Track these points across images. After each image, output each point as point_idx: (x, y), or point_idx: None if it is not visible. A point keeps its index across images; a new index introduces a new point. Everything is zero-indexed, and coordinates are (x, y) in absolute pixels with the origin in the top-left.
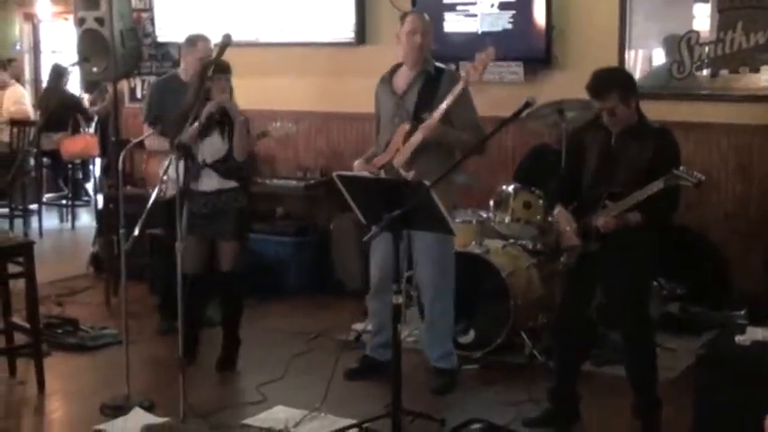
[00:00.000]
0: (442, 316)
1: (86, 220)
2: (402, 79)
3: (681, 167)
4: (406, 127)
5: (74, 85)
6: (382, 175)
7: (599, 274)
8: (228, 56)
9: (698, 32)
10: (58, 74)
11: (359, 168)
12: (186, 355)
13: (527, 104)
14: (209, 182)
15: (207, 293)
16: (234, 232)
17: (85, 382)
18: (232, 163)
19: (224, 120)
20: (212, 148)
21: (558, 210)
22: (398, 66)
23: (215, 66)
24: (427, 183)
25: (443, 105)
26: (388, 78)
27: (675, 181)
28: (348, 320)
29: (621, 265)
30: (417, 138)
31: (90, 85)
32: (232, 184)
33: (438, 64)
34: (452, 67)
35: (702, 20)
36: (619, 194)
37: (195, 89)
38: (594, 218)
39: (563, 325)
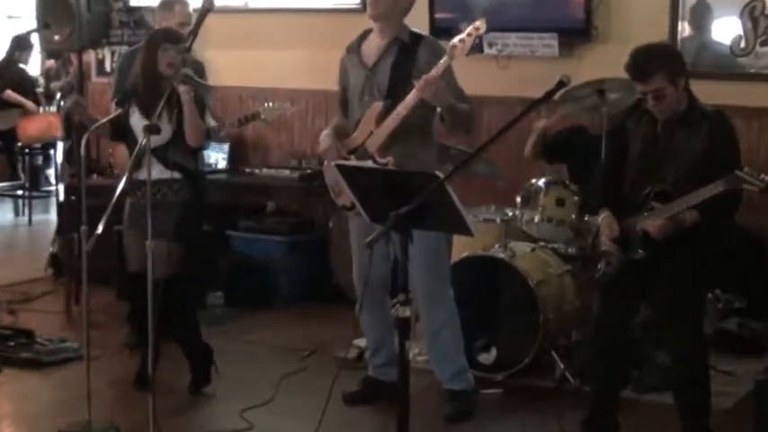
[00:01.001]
0: (445, 323)
1: (46, 214)
2: (372, 49)
3: (745, 168)
4: (379, 106)
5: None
6: (353, 160)
7: (644, 285)
8: (212, 24)
9: (764, 1)
10: (20, 46)
11: (326, 142)
12: (141, 374)
13: (561, 83)
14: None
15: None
16: (173, 232)
17: (41, 404)
18: (175, 149)
19: (170, 97)
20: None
21: (604, 215)
22: (369, 32)
23: (160, 33)
24: (441, 175)
25: (436, 69)
26: (355, 47)
27: (738, 184)
28: (349, 334)
29: (672, 275)
30: (403, 108)
31: (51, 54)
32: (175, 174)
33: (415, 30)
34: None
35: None
36: (667, 194)
37: (142, 61)
38: (639, 220)
39: (601, 343)
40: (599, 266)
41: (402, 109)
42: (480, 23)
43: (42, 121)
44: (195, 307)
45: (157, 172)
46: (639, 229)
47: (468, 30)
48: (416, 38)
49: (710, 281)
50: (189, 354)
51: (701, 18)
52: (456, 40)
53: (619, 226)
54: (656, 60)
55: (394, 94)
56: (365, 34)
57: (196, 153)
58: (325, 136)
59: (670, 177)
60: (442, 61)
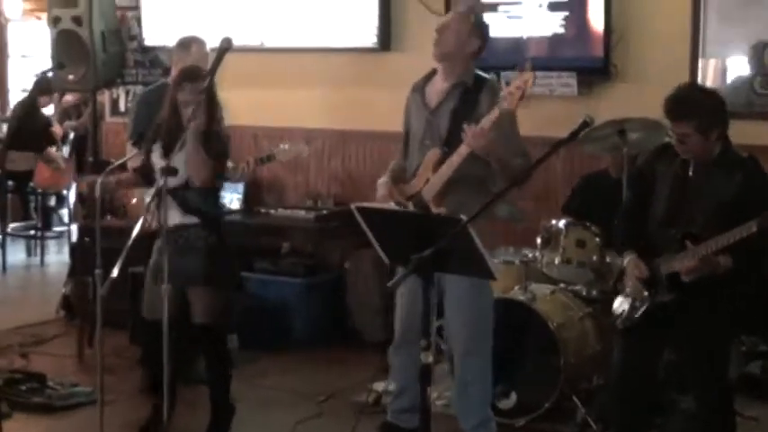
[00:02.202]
0: (477, 377)
1: (59, 254)
2: (435, 91)
3: None
4: (437, 153)
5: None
6: (410, 207)
7: (668, 328)
8: (227, 63)
9: None
10: (42, 89)
11: (384, 189)
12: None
13: (585, 124)
14: (171, 214)
15: (184, 345)
16: (205, 277)
17: None
18: (195, 192)
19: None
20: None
21: (630, 257)
22: (435, 72)
23: (182, 72)
24: (464, 217)
25: (481, 126)
26: (421, 87)
27: None
28: (366, 378)
29: (700, 320)
30: (456, 158)
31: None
32: (194, 219)
33: (480, 73)
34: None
35: None
36: (696, 236)
37: (167, 101)
38: (667, 262)
39: (623, 389)
40: (621, 311)
41: (455, 159)
42: (529, 76)
43: (55, 176)
44: (230, 358)
45: (178, 216)
46: (666, 271)
47: (518, 82)
48: (480, 81)
49: (738, 326)
50: (215, 402)
51: (724, 55)
52: (505, 91)
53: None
54: (693, 107)
55: (453, 140)
56: (431, 74)
57: (217, 195)
58: (382, 184)
59: (699, 220)
60: (490, 114)
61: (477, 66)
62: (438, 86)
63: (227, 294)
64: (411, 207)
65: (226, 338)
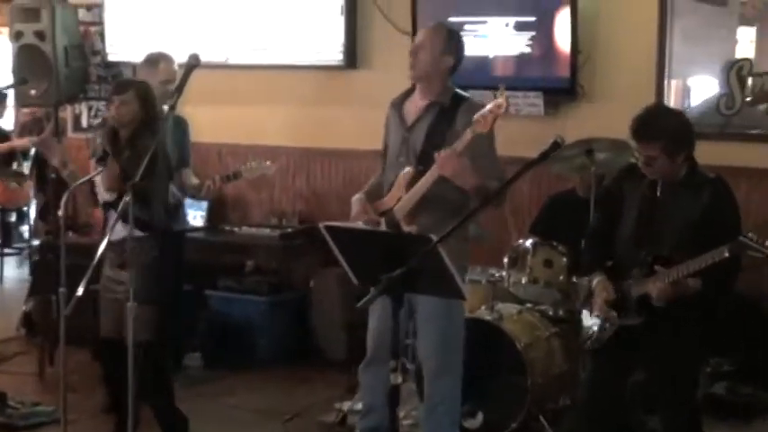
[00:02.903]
0: (446, 398)
1: (18, 271)
2: (412, 109)
3: (749, 234)
4: (411, 172)
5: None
6: (383, 224)
7: (638, 350)
8: (192, 79)
9: (751, 60)
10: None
11: (358, 206)
12: None
13: (556, 144)
14: (117, 228)
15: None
16: (143, 294)
17: None
18: (135, 205)
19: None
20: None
21: (598, 279)
22: (414, 88)
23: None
24: (434, 237)
25: (454, 147)
26: (399, 103)
27: (742, 250)
28: (331, 397)
29: (669, 342)
30: (426, 180)
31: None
32: (136, 232)
33: (459, 92)
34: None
35: (761, 46)
36: (664, 258)
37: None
38: (636, 285)
39: (592, 411)
40: (590, 333)
41: (427, 179)
42: (502, 101)
43: (8, 194)
44: (169, 374)
45: (120, 230)
46: (637, 294)
47: (491, 107)
48: (457, 100)
49: (707, 348)
50: (161, 422)
51: (688, 76)
52: (479, 115)
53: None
54: (659, 130)
55: (427, 159)
56: (410, 90)
57: (169, 209)
58: (357, 200)
59: (668, 242)
60: (463, 136)
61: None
62: (416, 104)
63: (165, 311)
64: (383, 224)
65: (161, 356)
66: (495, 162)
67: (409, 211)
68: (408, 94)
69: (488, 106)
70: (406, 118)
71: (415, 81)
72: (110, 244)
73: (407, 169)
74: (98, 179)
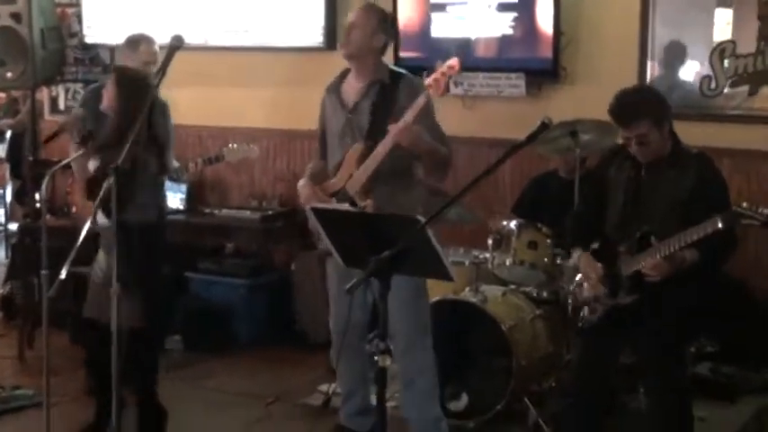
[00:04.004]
0: (422, 372)
1: None
2: (351, 90)
3: (743, 204)
4: (360, 148)
5: None
6: (334, 203)
7: (628, 329)
8: (172, 62)
9: (734, 42)
10: None
11: (307, 190)
12: (96, 425)
13: (544, 126)
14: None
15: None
16: (132, 279)
17: None
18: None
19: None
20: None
21: (578, 254)
22: (348, 71)
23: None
24: (422, 219)
25: (405, 118)
26: (336, 87)
27: (736, 221)
28: (313, 379)
29: (661, 321)
30: (384, 148)
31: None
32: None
33: (394, 68)
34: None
35: (738, 28)
36: (653, 235)
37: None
38: (628, 263)
39: (581, 392)
40: (581, 315)
41: (380, 151)
42: (455, 62)
43: None
44: (153, 363)
45: (102, 217)
46: (628, 272)
47: (443, 68)
48: (396, 76)
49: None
50: (141, 410)
51: (671, 58)
52: (430, 79)
53: (604, 270)
54: (641, 106)
55: (374, 135)
56: (344, 74)
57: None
58: (303, 185)
59: (656, 220)
60: (416, 103)
61: (422, 65)
62: (353, 85)
63: (139, 297)
64: (334, 203)
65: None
66: (439, 130)
67: (363, 186)
68: (342, 77)
69: (440, 69)
70: (345, 100)
71: (347, 59)
72: (102, 229)
73: (356, 145)
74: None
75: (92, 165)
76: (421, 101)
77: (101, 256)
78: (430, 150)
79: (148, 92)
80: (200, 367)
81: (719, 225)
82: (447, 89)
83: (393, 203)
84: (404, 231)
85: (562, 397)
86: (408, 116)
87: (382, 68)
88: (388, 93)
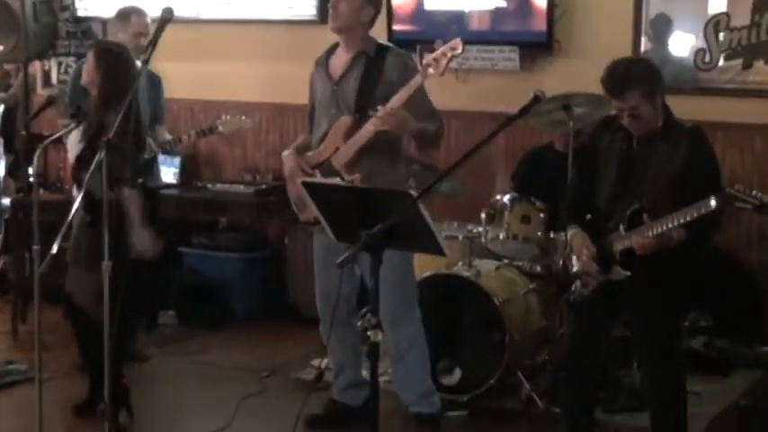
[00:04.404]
0: (411, 346)
1: None
2: (338, 63)
3: (735, 185)
4: (347, 121)
5: None
6: (318, 175)
7: (621, 303)
8: (163, 35)
9: (728, 15)
10: None
11: (291, 161)
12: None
13: (536, 99)
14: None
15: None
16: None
17: None
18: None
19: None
20: (75, 145)
21: (573, 231)
22: (337, 45)
23: None
24: (414, 193)
25: (399, 95)
26: (324, 61)
27: (730, 203)
28: (307, 354)
29: (650, 295)
30: (368, 131)
31: None
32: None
33: (381, 42)
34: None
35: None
36: (647, 212)
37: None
38: (619, 239)
39: (574, 366)
40: (573, 288)
41: (367, 131)
42: (457, 43)
43: None
44: (126, 339)
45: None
46: (620, 248)
47: (443, 49)
48: (383, 50)
49: (689, 301)
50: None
51: (663, 32)
52: (430, 58)
53: (594, 245)
54: (633, 77)
55: (361, 108)
56: (333, 48)
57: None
58: (288, 156)
59: (649, 195)
60: (411, 83)
61: (415, 38)
62: (341, 58)
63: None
64: (318, 176)
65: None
66: (430, 104)
67: (349, 161)
68: (331, 51)
69: (441, 48)
70: (332, 73)
71: (336, 32)
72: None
73: (343, 118)
74: (72, 135)
75: (74, 137)
76: (416, 81)
77: (75, 231)
78: (416, 132)
79: (129, 64)
80: (194, 342)
81: (713, 206)
82: (446, 69)
83: (379, 179)
84: (395, 206)
85: (555, 371)
86: (397, 99)
87: (369, 41)
88: (375, 65)
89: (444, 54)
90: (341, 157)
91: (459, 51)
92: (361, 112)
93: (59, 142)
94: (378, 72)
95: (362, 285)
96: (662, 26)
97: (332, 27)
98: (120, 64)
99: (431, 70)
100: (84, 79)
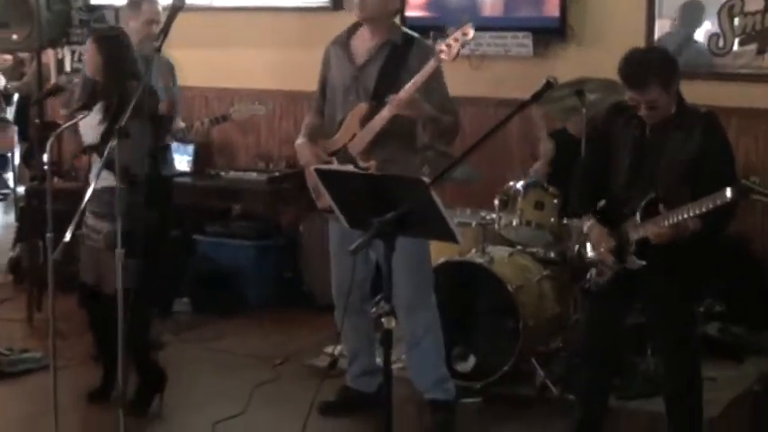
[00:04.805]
0: (427, 329)
1: (3, 217)
2: (362, 48)
3: (751, 178)
4: (364, 108)
5: None
6: (334, 163)
7: (636, 291)
8: (176, 23)
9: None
10: None
11: (307, 150)
12: (103, 389)
13: (549, 84)
14: (104, 175)
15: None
16: (126, 243)
17: (1, 419)
18: (121, 151)
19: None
20: (91, 129)
21: (590, 223)
22: (358, 25)
23: None
24: (426, 179)
25: (414, 81)
26: (344, 41)
27: (746, 195)
28: (321, 341)
29: (666, 283)
30: (383, 117)
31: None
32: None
33: (407, 31)
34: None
35: None
36: (659, 200)
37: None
38: (634, 228)
39: (591, 354)
40: (588, 276)
41: (382, 117)
42: (468, 28)
43: None
44: (145, 326)
45: (104, 178)
46: (636, 237)
47: (456, 35)
48: (408, 39)
49: (704, 289)
50: (139, 372)
51: (679, 16)
52: (442, 45)
53: (611, 236)
54: (652, 69)
55: (380, 96)
56: (354, 27)
57: (156, 155)
58: (302, 144)
59: (663, 183)
60: (425, 68)
61: (429, 25)
62: (365, 44)
63: (143, 261)
64: (335, 163)
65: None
66: (446, 96)
67: (365, 148)
68: (352, 31)
69: (453, 34)
70: (354, 57)
71: (363, 21)
72: (93, 191)
73: (360, 105)
74: (82, 123)
75: (88, 121)
76: (430, 66)
77: (92, 220)
78: (431, 118)
79: (128, 47)
80: (208, 329)
81: (728, 197)
82: (458, 55)
83: (394, 166)
84: (408, 192)
85: (570, 358)
86: (412, 85)
87: (396, 30)
88: (399, 55)
89: (456, 39)
90: (357, 144)
91: (471, 36)
92: (379, 100)
93: (74, 131)
94: (401, 62)
95: (378, 272)
96: (678, 11)
97: (359, 16)
98: (119, 46)
99: (443, 56)
100: (89, 70)
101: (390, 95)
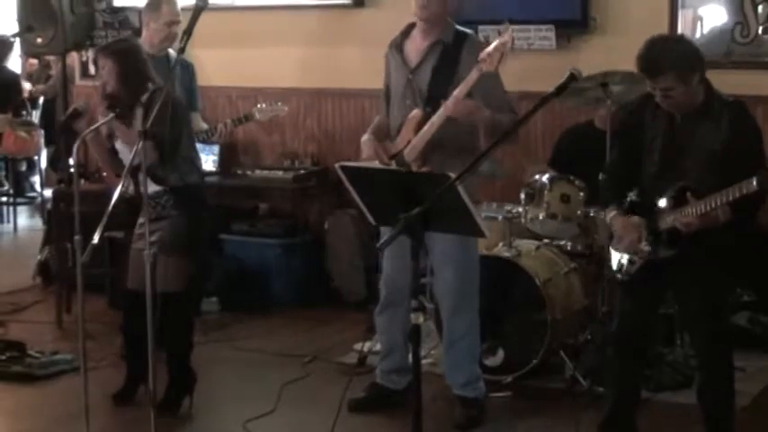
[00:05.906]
0: (465, 335)
1: (30, 221)
2: (415, 49)
3: None
4: (419, 114)
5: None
6: (394, 166)
7: (669, 281)
8: (199, 23)
9: None
10: (3, 47)
11: (369, 148)
12: (126, 390)
13: (572, 77)
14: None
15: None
16: (173, 246)
17: (35, 421)
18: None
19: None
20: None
21: (611, 215)
22: (412, 26)
23: None
24: (451, 174)
25: (459, 89)
26: (399, 44)
27: None
28: (349, 338)
29: (700, 273)
30: (433, 124)
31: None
32: (157, 188)
33: (460, 28)
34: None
35: None
36: (691, 190)
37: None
38: (664, 217)
39: (625, 344)
40: (619, 266)
41: (435, 121)
42: (508, 38)
43: (19, 144)
44: (189, 327)
45: (152, 185)
46: (666, 226)
47: (497, 45)
48: (461, 38)
49: (737, 276)
50: (172, 374)
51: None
52: (485, 54)
53: (641, 224)
54: (668, 59)
55: (434, 100)
56: (408, 29)
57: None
58: (367, 141)
59: (692, 172)
60: (467, 78)
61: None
62: (418, 44)
63: (184, 263)
64: (395, 166)
65: (186, 307)
66: (504, 96)
67: (419, 154)
68: (406, 33)
69: (493, 44)
70: (408, 59)
71: (425, 21)
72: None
73: (415, 111)
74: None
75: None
76: (472, 77)
77: (140, 227)
78: (487, 122)
79: (140, 51)
80: (236, 328)
81: (755, 186)
82: (501, 61)
83: (452, 171)
84: (435, 188)
85: (601, 349)
86: (459, 91)
87: (448, 28)
88: (451, 55)
89: (498, 49)
90: (411, 151)
91: (510, 45)
92: (433, 105)
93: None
94: (453, 62)
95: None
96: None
97: (420, 16)
98: (133, 54)
99: (484, 66)
100: (109, 87)
101: (443, 102)
